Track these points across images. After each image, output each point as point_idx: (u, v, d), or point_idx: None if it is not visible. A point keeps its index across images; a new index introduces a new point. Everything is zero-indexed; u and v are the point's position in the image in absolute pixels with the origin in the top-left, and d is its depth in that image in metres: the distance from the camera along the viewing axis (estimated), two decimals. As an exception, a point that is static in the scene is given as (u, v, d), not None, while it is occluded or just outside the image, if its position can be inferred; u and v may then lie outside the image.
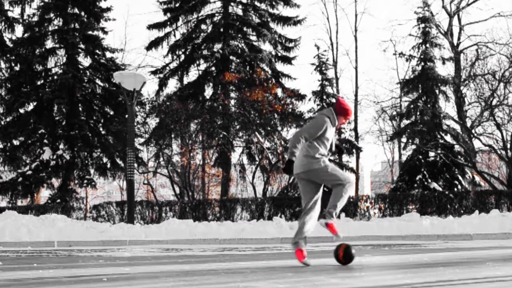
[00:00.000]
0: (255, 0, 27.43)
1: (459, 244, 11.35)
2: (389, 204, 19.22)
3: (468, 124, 23.80)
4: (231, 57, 26.83)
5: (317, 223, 6.66)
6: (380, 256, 8.58)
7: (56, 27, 25.71)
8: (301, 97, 26.28)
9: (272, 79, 26.52)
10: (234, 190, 31.59)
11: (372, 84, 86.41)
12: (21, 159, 25.63)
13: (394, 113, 28.73)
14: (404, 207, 19.03)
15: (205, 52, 26.85)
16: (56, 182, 25.89)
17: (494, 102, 22.90)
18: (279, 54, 27.76)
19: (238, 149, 26.38)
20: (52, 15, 25.63)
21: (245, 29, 27.32)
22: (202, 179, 29.01)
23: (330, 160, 8.67)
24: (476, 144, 24.67)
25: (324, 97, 25.90)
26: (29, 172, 24.38)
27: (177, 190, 24.11)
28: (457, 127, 24.63)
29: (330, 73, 28.16)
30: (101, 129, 25.91)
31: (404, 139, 26.84)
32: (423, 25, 25.64)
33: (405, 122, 25.82)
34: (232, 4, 27.32)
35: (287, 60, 27.69)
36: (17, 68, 25.77)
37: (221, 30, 27.03)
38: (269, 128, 23.25)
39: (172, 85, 40.43)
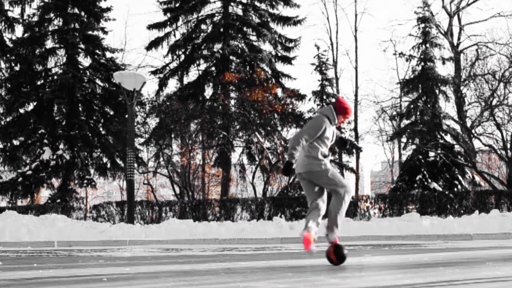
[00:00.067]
0: (255, 0, 27.44)
1: (459, 244, 11.35)
2: (389, 204, 19.20)
3: (468, 124, 23.78)
4: (231, 57, 26.82)
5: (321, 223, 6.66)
6: (380, 256, 8.58)
7: (56, 27, 25.71)
8: (301, 97, 26.29)
9: (272, 79, 26.51)
10: (234, 190, 31.57)
11: (372, 84, 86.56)
12: (21, 159, 25.63)
13: (394, 113, 28.72)
14: (404, 207, 19.01)
15: (205, 52, 26.86)
16: (56, 182, 25.90)
17: (494, 102, 22.89)
18: (279, 54, 27.75)
19: (238, 149, 26.40)
20: (52, 15, 25.63)
21: (245, 29, 27.31)
22: (202, 179, 29.00)
23: (331, 160, 8.66)
24: (476, 144, 24.69)
25: (324, 97, 25.92)
26: (29, 172, 24.39)
27: (177, 190, 24.10)
28: (457, 127, 24.63)
29: (330, 73, 28.23)
30: (101, 129, 25.92)
31: (404, 139, 26.84)
32: (423, 25, 25.65)
33: (405, 122, 25.83)
34: (232, 4, 27.31)
35: (287, 60, 27.68)
36: (17, 68, 25.78)
37: (221, 30, 27.02)
38: (269, 128, 23.24)
39: (172, 85, 40.49)
